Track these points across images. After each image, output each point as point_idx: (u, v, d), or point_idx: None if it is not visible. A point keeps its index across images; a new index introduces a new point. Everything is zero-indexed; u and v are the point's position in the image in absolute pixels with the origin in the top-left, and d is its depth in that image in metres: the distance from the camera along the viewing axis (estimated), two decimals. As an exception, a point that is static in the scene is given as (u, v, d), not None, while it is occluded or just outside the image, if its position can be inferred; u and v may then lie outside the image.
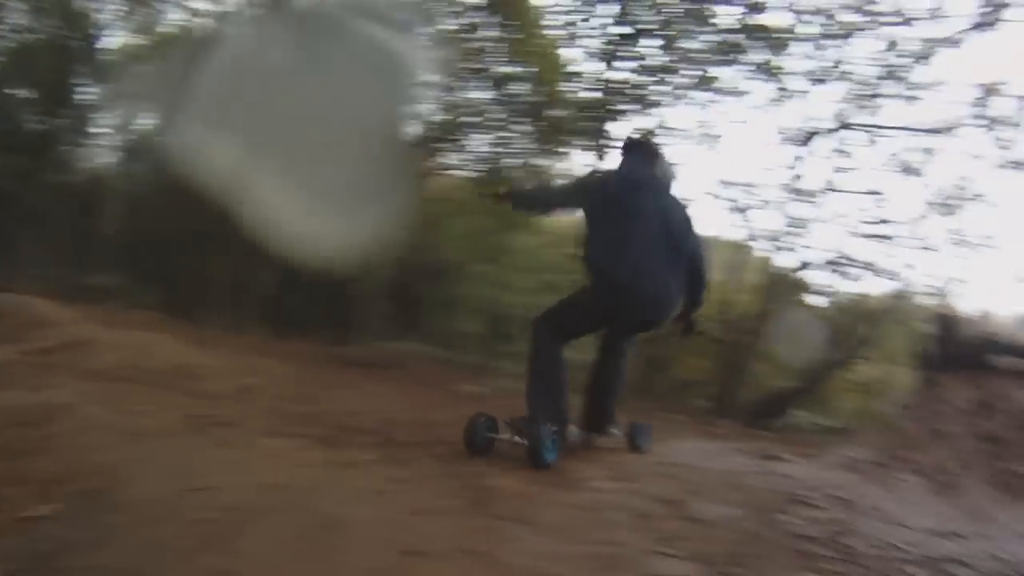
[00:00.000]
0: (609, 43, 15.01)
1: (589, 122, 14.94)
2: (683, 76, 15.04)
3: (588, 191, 6.51)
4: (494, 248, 16.54)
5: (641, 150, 6.56)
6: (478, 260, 16.72)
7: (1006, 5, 13.58)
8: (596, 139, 15.08)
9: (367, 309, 16.86)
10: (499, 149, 15.94)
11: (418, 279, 17.43)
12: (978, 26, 13.93)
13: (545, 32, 15.21)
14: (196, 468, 5.03)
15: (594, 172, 9.11)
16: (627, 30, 14.87)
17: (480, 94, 15.91)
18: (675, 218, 6.15)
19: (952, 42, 14.16)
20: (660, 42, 14.79)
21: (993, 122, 14.47)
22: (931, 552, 6.08)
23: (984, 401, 9.72)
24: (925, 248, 15.12)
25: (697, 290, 6.56)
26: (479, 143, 16.35)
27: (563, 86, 15.25)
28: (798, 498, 6.65)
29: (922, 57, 14.44)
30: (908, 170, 15.10)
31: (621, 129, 15.40)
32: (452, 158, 16.92)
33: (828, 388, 15.86)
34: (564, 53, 15.53)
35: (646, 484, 6.46)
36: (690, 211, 6.52)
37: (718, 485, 6.76)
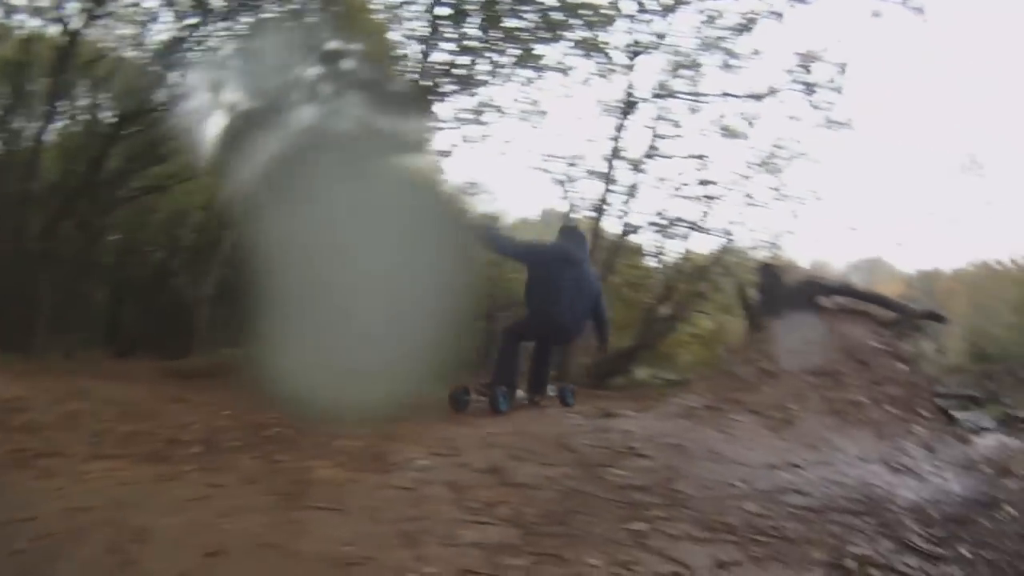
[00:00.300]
0: (432, 24, 14.71)
1: (413, 105, 14.57)
2: (506, 55, 14.92)
3: (535, 255, 9.07)
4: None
5: (572, 234, 9.41)
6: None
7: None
8: (422, 120, 14.70)
9: (203, 317, 16.09)
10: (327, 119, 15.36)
11: (255, 278, 16.77)
12: None
13: (371, 15, 14.84)
14: (16, 502, 4.73)
15: (542, 244, 9.48)
16: (448, 11, 14.65)
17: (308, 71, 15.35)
18: (588, 283, 8.92)
19: (774, 13, 14.69)
20: (481, 21, 14.61)
21: (812, 86, 15.09)
22: (765, 485, 6.09)
23: (812, 339, 9.95)
24: (751, 205, 15.69)
25: (604, 327, 9.52)
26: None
27: (390, 67, 14.91)
28: (631, 450, 6.61)
29: (743, 28, 14.89)
30: (731, 134, 15.56)
31: (446, 110, 15.15)
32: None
33: (668, 343, 16.17)
34: (390, 36, 15.19)
35: (469, 456, 6.38)
36: (598, 279, 9.60)
37: (547, 448, 6.70)
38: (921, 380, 10.11)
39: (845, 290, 11.29)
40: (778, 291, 11.11)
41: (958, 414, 10.93)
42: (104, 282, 15.54)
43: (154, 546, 3.96)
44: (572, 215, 16.15)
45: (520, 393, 8.99)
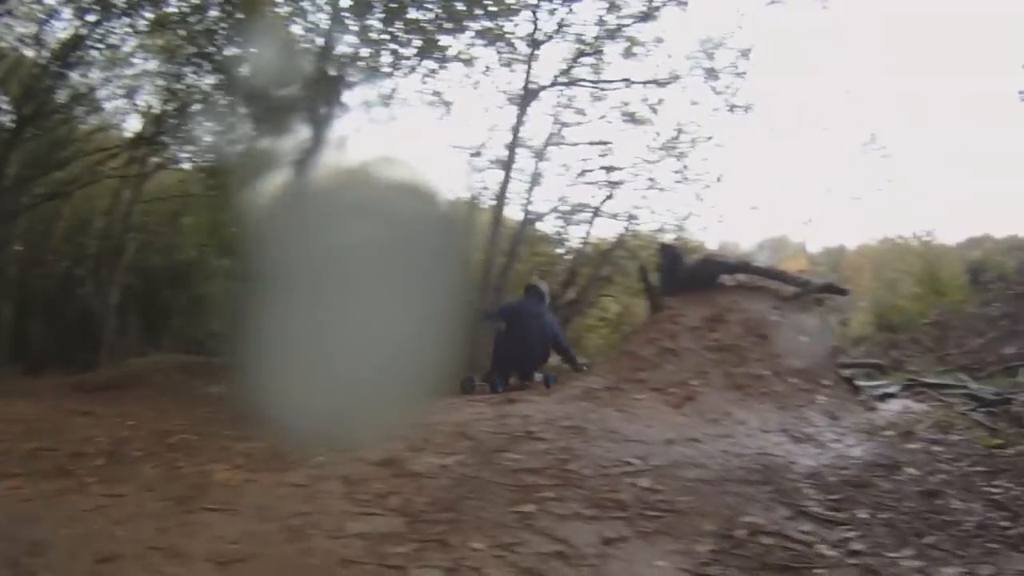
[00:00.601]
0: (335, 16, 14.44)
1: (316, 97, 14.27)
2: (410, 46, 14.75)
3: (508, 312, 11.45)
4: (231, 240, 15.64)
5: (534, 292, 11.56)
6: (216, 255, 15.82)
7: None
8: (325, 114, 14.41)
9: (111, 328, 15.62)
10: (225, 136, 14.98)
11: (160, 284, 16.33)
12: None
13: (272, 9, 14.50)
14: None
15: (513, 303, 12.26)
16: (351, 2, 14.42)
17: (202, 79, 14.93)
18: (546, 328, 11.12)
19: (679, 2, 14.86)
20: (384, 13, 14.39)
21: (715, 72, 15.30)
22: (662, 461, 6.09)
23: (714, 316, 10.07)
24: (655, 189, 15.85)
25: (568, 357, 11.45)
26: (204, 132, 15.35)
27: (290, 63, 14.59)
28: (528, 435, 6.60)
29: (646, 15, 14.99)
30: (635, 120, 15.69)
31: (352, 100, 14.92)
32: (177, 150, 15.88)
33: (575, 328, 16.22)
34: (292, 29, 14.86)
35: (367, 449, 6.27)
36: (556, 323, 11.76)
37: (446, 437, 6.67)
38: (824, 352, 10.24)
39: (745, 267, 11.42)
40: (678, 271, 11.21)
41: (864, 382, 11.19)
42: (8, 296, 14.95)
43: (49, 557, 3.93)
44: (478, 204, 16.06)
45: (513, 380, 10.84)
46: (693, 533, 4.57)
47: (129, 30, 14.29)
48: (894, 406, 9.75)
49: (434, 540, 4.30)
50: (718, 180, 16.21)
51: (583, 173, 16.03)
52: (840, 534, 4.75)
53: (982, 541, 4.57)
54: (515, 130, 15.13)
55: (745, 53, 15.25)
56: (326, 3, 14.52)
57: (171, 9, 13.92)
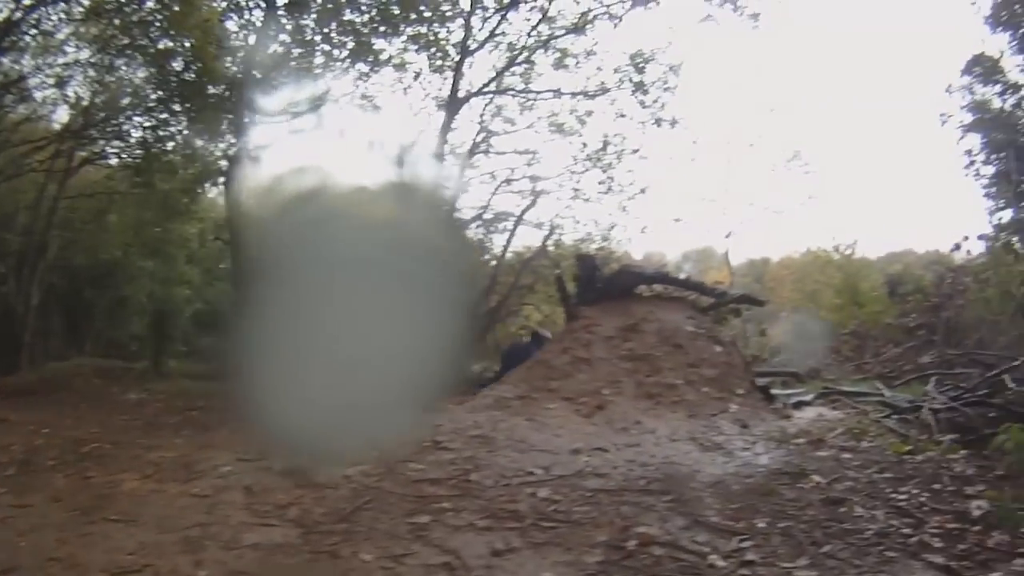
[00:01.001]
0: (267, 15, 14.23)
1: (245, 97, 14.05)
2: (343, 48, 14.64)
3: (516, 351, 12.32)
4: (156, 240, 15.37)
5: (539, 337, 12.47)
6: (141, 255, 15.48)
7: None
8: (248, 115, 14.19)
9: (31, 329, 15.14)
10: (156, 133, 14.65)
11: (84, 284, 15.89)
12: (639, 1, 14.92)
13: (204, 4, 14.22)
14: None
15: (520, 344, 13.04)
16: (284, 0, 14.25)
17: (135, 72, 14.56)
18: None
19: (611, 16, 15.02)
20: (319, 14, 14.25)
21: (643, 86, 15.49)
22: (565, 471, 6.16)
23: (629, 326, 10.19)
24: (580, 199, 16.00)
25: None
26: (134, 127, 14.99)
27: (221, 61, 14.35)
28: (436, 444, 6.69)
29: (577, 28, 15.13)
30: (562, 130, 15.86)
31: (279, 102, 14.73)
32: (105, 145, 15.47)
33: (497, 336, 16.26)
34: (223, 26, 14.60)
35: (275, 460, 6.37)
36: None
37: (354, 447, 6.55)
38: (738, 361, 10.43)
39: (662, 278, 11.61)
40: (596, 281, 11.32)
41: (780, 391, 11.38)
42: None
43: (-53, 569, 3.87)
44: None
45: None
46: (584, 544, 4.63)
47: (64, 17, 13.94)
48: (808, 414, 9.92)
49: (326, 551, 4.37)
50: (642, 192, 16.46)
51: (508, 181, 16.09)
52: (735, 544, 4.78)
53: (881, 549, 4.62)
54: (442, 136, 15.12)
55: (675, 69, 15.52)
56: (256, 3, 14.31)
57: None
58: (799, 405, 10.50)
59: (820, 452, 7.53)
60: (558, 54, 15.67)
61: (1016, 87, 14.54)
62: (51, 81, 14.76)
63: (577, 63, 15.73)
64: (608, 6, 15.17)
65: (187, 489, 5.58)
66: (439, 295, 7.89)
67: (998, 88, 14.84)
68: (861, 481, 6.23)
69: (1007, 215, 15.12)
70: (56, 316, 15.44)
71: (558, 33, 15.46)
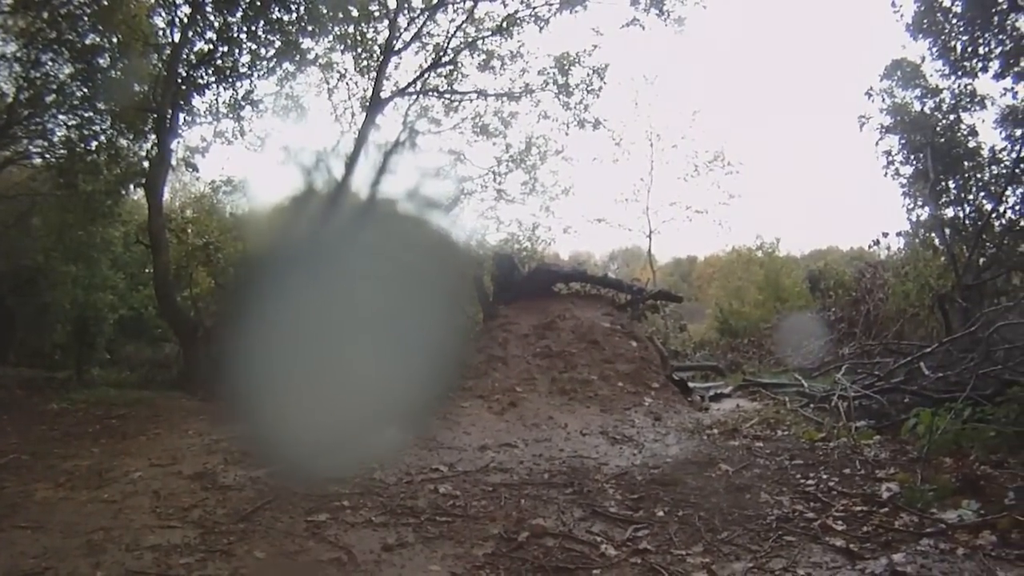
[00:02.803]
0: (194, 11, 14.01)
1: (170, 96, 13.82)
2: (270, 46, 14.48)
3: None
4: (80, 244, 14.99)
5: None
6: (64, 260, 15.08)
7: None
8: (173, 115, 13.96)
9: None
10: (80, 131, 14.33)
11: (4, 291, 15.44)
12: (563, 5, 15.06)
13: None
14: None
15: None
16: None
17: (60, 69, 14.22)
18: None
19: (538, 18, 15.15)
20: (247, 10, 14.06)
21: (567, 88, 15.65)
22: (469, 467, 6.31)
23: (545, 324, 10.36)
24: (503, 199, 16.12)
25: None
26: (58, 125, 14.65)
27: (148, 59, 14.10)
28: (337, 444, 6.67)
29: (502, 30, 15.20)
30: (486, 131, 15.94)
31: (205, 102, 14.55)
32: (28, 144, 15.11)
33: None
34: (150, 23, 14.34)
35: (186, 464, 6.52)
36: None
37: (263, 449, 6.65)
38: (655, 356, 10.65)
39: (579, 276, 11.80)
40: (514, 279, 11.46)
41: (698, 384, 11.64)
42: None
43: None
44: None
45: None
46: (477, 536, 4.78)
47: None
48: (726, 405, 10.19)
49: (221, 550, 4.46)
50: (566, 193, 16.63)
51: (432, 178, 16.12)
52: (631, 533, 4.94)
53: (781, 534, 4.77)
54: (364, 134, 15.05)
55: (599, 71, 15.69)
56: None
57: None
58: (717, 397, 10.79)
59: (732, 442, 7.80)
60: (483, 56, 15.72)
61: (935, 91, 14.99)
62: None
63: (503, 65, 15.82)
64: (535, 8, 15.28)
65: (97, 495, 5.62)
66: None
67: (918, 92, 15.27)
68: (770, 468, 6.47)
69: (925, 212, 15.54)
70: None
71: (484, 34, 15.52)
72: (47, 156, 14.85)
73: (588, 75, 15.80)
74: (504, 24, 15.28)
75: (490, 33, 15.47)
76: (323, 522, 4.90)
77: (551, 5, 15.18)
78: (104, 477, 6.18)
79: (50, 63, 13.83)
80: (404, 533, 4.78)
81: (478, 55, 15.74)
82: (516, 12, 15.22)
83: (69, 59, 13.56)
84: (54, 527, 4.89)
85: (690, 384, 10.94)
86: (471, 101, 16.08)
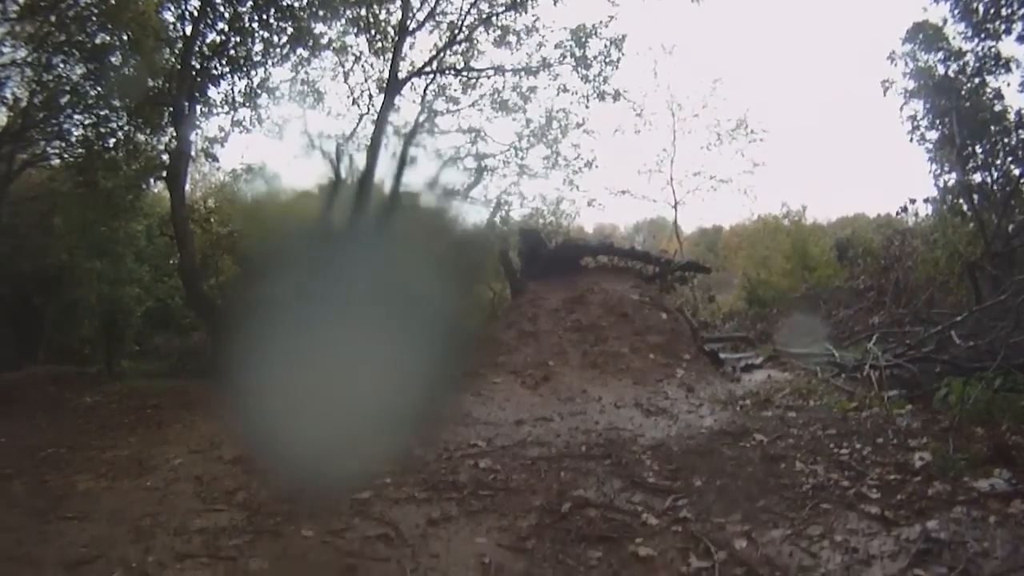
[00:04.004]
0: (204, 3, 13.96)
1: (184, 89, 13.79)
2: (282, 33, 14.42)
3: None
4: (104, 240, 15.08)
5: None
6: (89, 256, 15.15)
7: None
8: (189, 107, 13.95)
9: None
10: (97, 130, 14.35)
11: (32, 289, 15.53)
12: None
13: None
14: None
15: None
16: None
17: (73, 69, 14.24)
18: None
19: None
20: (253, 1, 14.00)
21: (585, 60, 15.53)
22: (506, 442, 6.30)
23: (574, 298, 10.34)
24: (525, 175, 15.99)
25: None
26: (74, 125, 14.67)
27: (160, 54, 14.09)
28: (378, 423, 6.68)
29: (517, 4, 15.11)
30: (506, 107, 15.82)
31: (220, 93, 14.52)
32: (46, 146, 15.17)
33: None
34: (159, 18, 14.31)
35: (224, 449, 6.57)
36: None
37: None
38: (685, 328, 10.60)
39: (606, 249, 11.78)
40: (540, 255, 11.44)
41: (729, 355, 11.56)
42: None
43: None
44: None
45: None
46: (520, 509, 4.78)
47: (0, 15, 13.66)
48: (757, 376, 10.10)
49: (268, 531, 4.52)
50: (588, 166, 16.47)
51: (453, 160, 16.02)
52: (671, 502, 4.94)
53: (816, 502, 4.75)
54: (383, 118, 15.00)
55: (616, 42, 15.56)
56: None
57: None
58: (748, 368, 10.68)
59: (765, 412, 7.72)
60: (499, 31, 15.60)
61: (959, 54, 14.80)
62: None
63: (519, 40, 15.70)
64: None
65: (139, 484, 5.69)
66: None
67: (940, 55, 15.09)
68: (804, 438, 6.40)
69: (952, 178, 15.40)
70: (4, 326, 15.09)
71: (499, 9, 15.41)
72: (65, 156, 14.91)
73: (606, 47, 15.66)
74: (519, -1, 15.17)
75: (504, 8, 15.35)
76: (367, 500, 4.93)
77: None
78: (145, 466, 6.24)
79: (62, 64, 13.86)
80: (448, 508, 4.80)
81: (493, 31, 15.61)
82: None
83: (81, 59, 13.58)
84: (100, 516, 4.96)
85: (721, 355, 10.87)
86: (488, 78, 15.95)
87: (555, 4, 15.28)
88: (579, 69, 15.67)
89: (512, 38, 15.58)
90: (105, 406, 9.81)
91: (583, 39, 15.53)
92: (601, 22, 15.42)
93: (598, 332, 9.68)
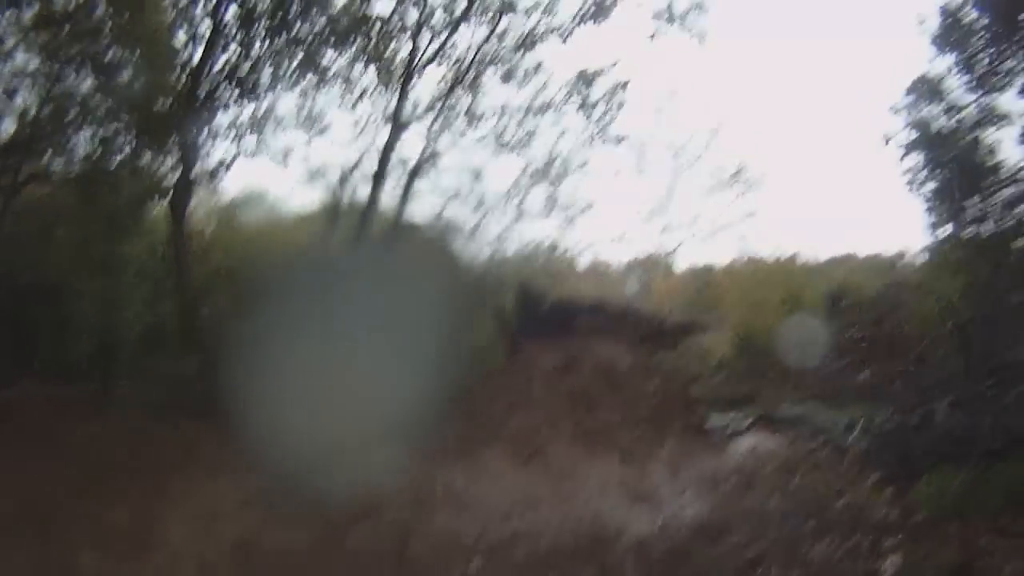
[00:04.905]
0: (215, 27, 14.00)
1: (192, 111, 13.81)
2: (291, 61, 14.46)
3: None
4: (104, 258, 15.02)
5: None
6: (88, 274, 15.07)
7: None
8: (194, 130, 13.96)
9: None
10: (102, 146, 14.37)
11: (28, 302, 15.44)
12: (585, 18, 15.08)
13: (155, 13, 13.95)
14: None
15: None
16: (236, 11, 14.08)
17: (82, 83, 14.23)
18: None
19: (560, 32, 15.16)
20: (268, 26, 14.05)
21: (589, 103, 15.64)
22: (497, 536, 6.40)
23: (567, 362, 10.47)
24: (525, 215, 15.98)
25: None
26: (80, 141, 14.67)
27: (169, 74, 14.12)
28: (375, 509, 6.76)
29: (525, 45, 15.17)
30: (508, 146, 15.86)
31: (227, 118, 14.56)
32: (51, 159, 15.16)
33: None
34: (173, 37, 14.34)
35: (228, 522, 6.70)
36: None
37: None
38: (675, 394, 10.68)
39: (600, 309, 11.80)
40: (535, 313, 11.53)
41: (717, 419, 11.56)
42: None
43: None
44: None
45: None
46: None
47: (14, 23, 13.66)
48: (744, 444, 10.21)
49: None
50: (588, 208, 16.46)
51: (456, 197, 16.01)
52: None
53: None
54: (387, 152, 15.04)
55: (621, 86, 15.67)
56: (210, 12, 14.12)
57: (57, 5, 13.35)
58: (737, 432, 10.79)
59: (747, 501, 7.85)
60: (505, 70, 15.67)
61: (959, 107, 14.95)
62: (-1, 89, 14.45)
63: (525, 78, 15.77)
64: (557, 25, 15.28)
65: (143, 566, 5.80)
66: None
67: (941, 108, 15.24)
68: (782, 536, 6.51)
69: (948, 229, 15.53)
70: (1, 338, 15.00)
71: (505, 50, 15.48)
72: (70, 171, 14.92)
73: (610, 90, 15.79)
74: (526, 39, 15.27)
75: (512, 48, 15.44)
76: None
77: (574, 17, 15.18)
78: (147, 541, 6.21)
79: (72, 77, 13.90)
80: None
81: (500, 69, 15.69)
82: (538, 25, 15.22)
83: (91, 73, 13.62)
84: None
85: (708, 424, 10.96)
86: (493, 116, 16.01)
87: (564, 42, 15.38)
88: (583, 111, 15.79)
89: (518, 76, 15.67)
90: (101, 442, 9.68)
91: (588, 81, 15.66)
92: (606, 66, 15.57)
93: (590, 401, 9.81)
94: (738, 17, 26.16)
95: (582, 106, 15.70)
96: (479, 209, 15.70)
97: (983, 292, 13.48)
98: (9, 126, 14.55)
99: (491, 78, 15.74)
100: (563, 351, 10.56)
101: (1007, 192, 14.43)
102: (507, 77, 15.63)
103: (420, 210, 15.61)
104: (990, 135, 14.64)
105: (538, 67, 15.57)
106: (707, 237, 23.00)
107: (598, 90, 15.75)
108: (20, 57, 13.83)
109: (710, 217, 22.13)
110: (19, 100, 14.19)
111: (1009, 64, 13.92)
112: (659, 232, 22.49)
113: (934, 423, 9.12)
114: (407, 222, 15.13)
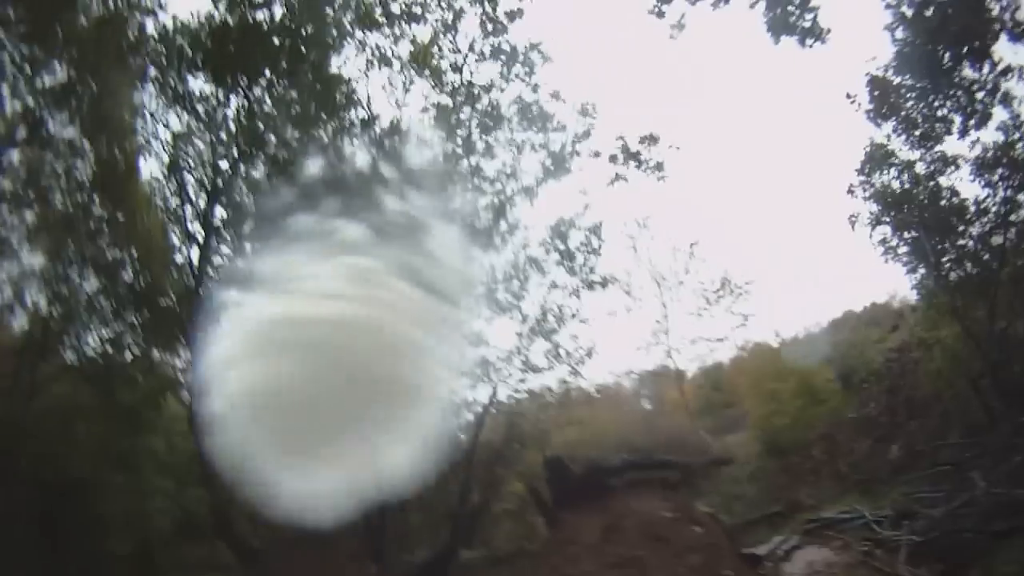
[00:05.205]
0: (206, 229, 14.30)
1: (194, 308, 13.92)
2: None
3: None
4: (127, 453, 14.87)
5: None
6: (112, 469, 14.88)
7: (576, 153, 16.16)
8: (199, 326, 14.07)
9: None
10: (113, 344, 14.46)
11: (49, 498, 15.10)
12: (550, 174, 15.91)
13: (152, 214, 14.25)
14: None
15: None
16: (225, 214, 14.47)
17: (86, 283, 14.40)
18: None
19: (527, 192, 15.73)
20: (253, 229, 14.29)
21: (568, 253, 15.99)
22: None
23: (610, 526, 10.31)
24: (529, 371, 15.97)
25: None
26: (91, 339, 14.76)
27: (169, 272, 14.34)
28: None
29: (498, 209, 15.61)
30: (500, 307, 15.98)
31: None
32: (65, 357, 15.19)
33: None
34: (168, 237, 14.62)
35: None
36: None
37: None
38: (719, 537, 10.58)
39: (630, 466, 11.81)
40: (567, 482, 11.51)
41: (765, 542, 11.39)
42: None
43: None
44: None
45: None
46: None
47: (16, 224, 13.88)
48: (799, 565, 10.08)
49: None
50: (589, 355, 16.46)
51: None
52: None
53: None
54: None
55: (595, 230, 16.07)
56: (200, 214, 14.41)
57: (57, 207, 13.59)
58: (789, 553, 10.65)
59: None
60: (484, 238, 15.90)
61: (909, 164, 15.40)
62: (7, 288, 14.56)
63: (503, 240, 16.05)
64: (524, 185, 15.79)
65: None
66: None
67: (894, 172, 15.67)
68: None
69: (932, 279, 15.79)
70: (24, 535, 14.72)
71: (480, 217, 15.80)
72: (84, 369, 15.01)
73: (586, 236, 16.14)
74: (499, 204, 15.65)
75: (485, 214, 15.78)
76: None
77: (536, 177, 15.66)
78: None
79: (77, 277, 14.13)
80: None
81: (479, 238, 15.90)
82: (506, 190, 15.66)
83: (95, 273, 13.86)
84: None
85: (758, 550, 10.84)
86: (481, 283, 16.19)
87: (531, 204, 15.76)
88: (564, 262, 16.07)
89: (497, 240, 15.95)
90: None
91: (563, 232, 16.02)
92: (577, 214, 16.00)
93: (640, 565, 9.66)
94: (696, 137, 27.35)
95: (563, 258, 16.02)
96: (484, 370, 15.78)
97: (985, 340, 13.61)
98: (22, 322, 14.75)
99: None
100: (602, 513, 10.47)
101: (977, 227, 14.81)
102: (487, 245, 15.87)
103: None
104: (945, 181, 15.12)
105: (515, 226, 15.92)
106: (709, 344, 23.45)
107: (574, 239, 16.16)
108: (26, 258, 14.12)
109: (710, 335, 22.74)
110: (28, 300, 14.40)
111: (942, 112, 14.49)
112: (663, 353, 22.99)
113: (976, 498, 9.13)
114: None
